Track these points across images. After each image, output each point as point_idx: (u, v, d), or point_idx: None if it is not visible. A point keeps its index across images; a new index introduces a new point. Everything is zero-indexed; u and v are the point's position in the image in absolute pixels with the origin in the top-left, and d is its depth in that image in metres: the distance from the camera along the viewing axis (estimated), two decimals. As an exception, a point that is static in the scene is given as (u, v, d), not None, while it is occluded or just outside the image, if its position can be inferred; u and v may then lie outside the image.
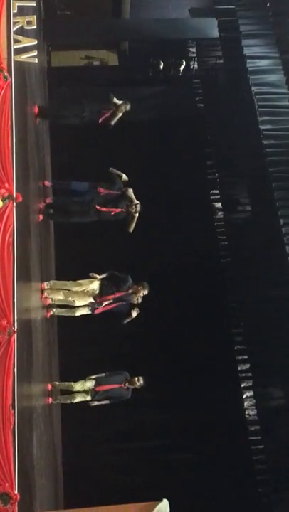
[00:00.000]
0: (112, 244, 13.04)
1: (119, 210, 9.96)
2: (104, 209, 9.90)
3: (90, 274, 9.37)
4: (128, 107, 10.54)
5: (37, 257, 9.07)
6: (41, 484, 7.67)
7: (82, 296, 9.27)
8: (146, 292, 9.36)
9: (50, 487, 8.92)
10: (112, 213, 9.93)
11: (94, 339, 12.29)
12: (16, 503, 5.79)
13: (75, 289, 9.29)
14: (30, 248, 8.42)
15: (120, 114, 10.56)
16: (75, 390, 9.41)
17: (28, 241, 8.38)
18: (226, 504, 11.50)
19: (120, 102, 10.45)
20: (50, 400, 9.29)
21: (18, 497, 5.82)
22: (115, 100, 10.44)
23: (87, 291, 9.24)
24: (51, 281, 9.45)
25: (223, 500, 11.56)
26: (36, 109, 10.49)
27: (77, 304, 9.30)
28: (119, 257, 12.90)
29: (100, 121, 10.51)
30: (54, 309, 9.55)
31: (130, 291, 9.31)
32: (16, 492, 5.84)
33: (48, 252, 11.32)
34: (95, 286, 9.25)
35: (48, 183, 10.68)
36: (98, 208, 9.88)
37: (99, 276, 9.30)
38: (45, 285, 9.27)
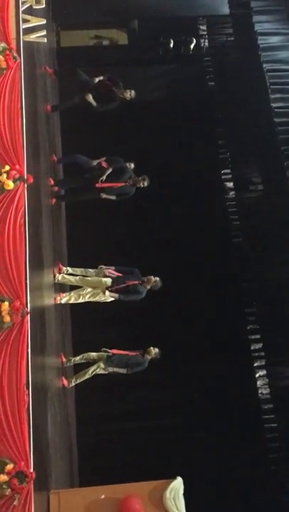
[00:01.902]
0: (123, 225, 13.03)
1: (121, 184, 9.98)
2: (105, 185, 9.95)
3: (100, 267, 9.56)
4: (132, 93, 10.49)
5: (49, 237, 9.08)
6: (56, 463, 7.75)
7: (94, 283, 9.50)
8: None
9: (65, 465, 9.01)
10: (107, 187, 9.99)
11: (106, 319, 12.31)
12: (32, 481, 5.87)
13: (86, 280, 9.52)
14: (41, 229, 8.43)
15: (121, 96, 10.53)
16: (91, 358, 9.48)
17: (40, 222, 8.38)
18: (239, 482, 11.58)
19: (94, 103, 10.50)
20: (66, 382, 9.31)
21: (34, 475, 5.90)
22: (90, 100, 10.48)
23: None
24: (64, 275, 9.55)
25: (237, 478, 11.64)
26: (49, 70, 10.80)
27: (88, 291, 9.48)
28: (130, 238, 12.91)
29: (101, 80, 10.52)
30: (64, 298, 9.61)
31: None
32: (32, 470, 5.92)
33: (60, 232, 11.32)
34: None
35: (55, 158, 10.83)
36: (99, 185, 9.94)
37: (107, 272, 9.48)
38: (58, 277, 9.42)
